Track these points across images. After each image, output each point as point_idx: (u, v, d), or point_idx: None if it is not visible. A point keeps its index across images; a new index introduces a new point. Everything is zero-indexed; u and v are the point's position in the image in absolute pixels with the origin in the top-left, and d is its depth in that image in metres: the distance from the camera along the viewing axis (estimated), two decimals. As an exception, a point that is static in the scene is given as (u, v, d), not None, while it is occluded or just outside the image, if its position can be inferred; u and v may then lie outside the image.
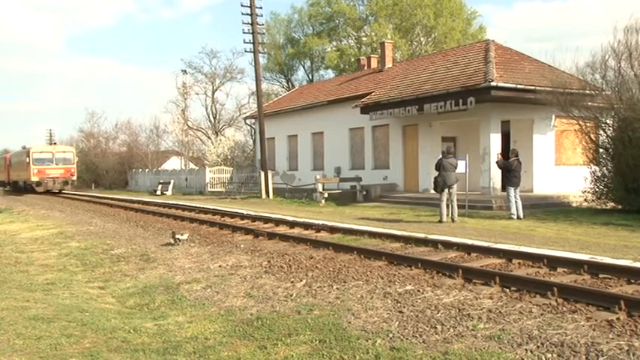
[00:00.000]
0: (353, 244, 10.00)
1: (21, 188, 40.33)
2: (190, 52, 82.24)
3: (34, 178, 35.64)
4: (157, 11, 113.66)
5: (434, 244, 9.65)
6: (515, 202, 14.35)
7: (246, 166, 36.26)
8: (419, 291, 6.59)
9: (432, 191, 19.93)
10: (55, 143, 42.61)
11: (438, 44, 42.07)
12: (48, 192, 36.06)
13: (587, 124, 16.35)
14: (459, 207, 14.20)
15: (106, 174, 47.89)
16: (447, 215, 13.88)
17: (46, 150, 37.88)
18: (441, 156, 14.47)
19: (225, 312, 6.50)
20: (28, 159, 36.15)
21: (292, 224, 13.46)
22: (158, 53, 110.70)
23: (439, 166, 13.86)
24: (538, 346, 4.66)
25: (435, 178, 14.05)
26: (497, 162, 15.47)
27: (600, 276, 7.00)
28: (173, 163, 51.82)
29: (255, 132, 33.84)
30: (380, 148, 24.29)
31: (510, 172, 14.45)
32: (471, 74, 18.73)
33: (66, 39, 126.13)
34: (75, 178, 37.49)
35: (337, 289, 6.98)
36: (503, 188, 19.38)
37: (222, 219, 15.98)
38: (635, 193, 14.40)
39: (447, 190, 13.82)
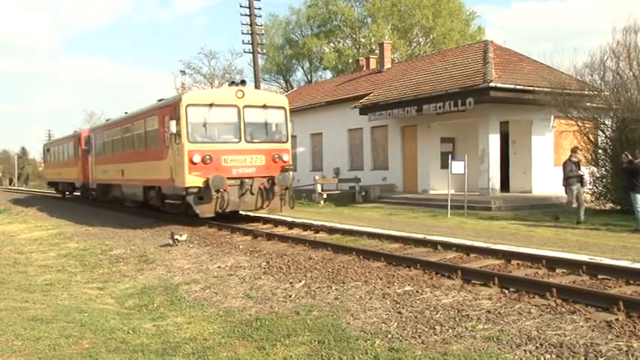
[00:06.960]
0: (352, 245, 9.98)
1: (124, 200, 19.07)
2: (188, 53, 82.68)
3: (192, 181, 12.66)
4: (153, 12, 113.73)
5: (433, 244, 9.63)
6: None
7: (245, 167, 36.14)
8: (418, 292, 6.59)
9: (437, 192, 19.99)
10: (243, 82, 13.75)
11: (436, 45, 42.18)
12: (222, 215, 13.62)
13: (586, 125, 16.38)
14: (458, 207, 14.20)
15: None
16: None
17: (220, 101, 13.17)
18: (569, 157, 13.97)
19: (224, 313, 6.50)
20: (172, 125, 12.77)
21: (291, 225, 13.43)
22: (156, 54, 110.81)
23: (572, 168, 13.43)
24: (537, 347, 4.66)
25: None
26: (623, 167, 12.90)
27: (599, 277, 7.00)
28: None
29: (254, 133, 33.70)
30: (379, 149, 24.30)
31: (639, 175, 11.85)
32: (470, 75, 18.74)
33: (62, 40, 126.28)
34: (291, 179, 14.14)
35: (336, 289, 6.97)
36: (502, 188, 19.46)
37: (221, 219, 15.90)
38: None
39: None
